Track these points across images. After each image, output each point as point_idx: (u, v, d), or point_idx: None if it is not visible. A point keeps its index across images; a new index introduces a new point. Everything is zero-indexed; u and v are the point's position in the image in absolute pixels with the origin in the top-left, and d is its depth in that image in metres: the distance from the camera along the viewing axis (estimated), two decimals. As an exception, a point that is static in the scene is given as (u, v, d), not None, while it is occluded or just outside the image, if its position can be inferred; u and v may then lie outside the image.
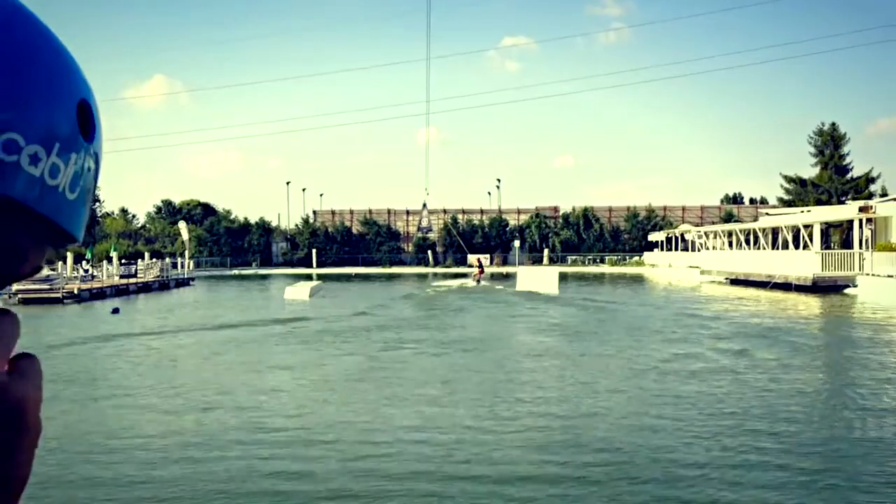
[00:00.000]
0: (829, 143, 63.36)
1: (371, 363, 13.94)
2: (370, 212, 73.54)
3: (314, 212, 75.40)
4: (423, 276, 56.28)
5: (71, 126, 0.42)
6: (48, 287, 31.21)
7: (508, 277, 43.60)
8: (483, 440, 8.31)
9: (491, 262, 65.17)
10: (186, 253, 57.41)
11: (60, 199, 0.42)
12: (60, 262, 39.29)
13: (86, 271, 40.02)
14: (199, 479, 7.03)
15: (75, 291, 31.79)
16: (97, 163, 0.46)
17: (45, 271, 34.88)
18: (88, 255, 45.91)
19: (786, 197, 65.06)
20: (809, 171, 64.86)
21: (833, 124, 63.76)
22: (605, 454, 7.68)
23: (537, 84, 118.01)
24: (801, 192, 63.47)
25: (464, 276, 50.35)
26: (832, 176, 62.34)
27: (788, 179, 65.59)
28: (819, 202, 55.07)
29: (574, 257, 67.52)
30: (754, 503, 6.29)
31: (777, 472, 7.07)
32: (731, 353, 14.74)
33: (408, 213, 72.87)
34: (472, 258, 66.48)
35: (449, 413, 9.66)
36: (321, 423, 9.16)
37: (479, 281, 44.01)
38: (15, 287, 30.78)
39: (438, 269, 63.83)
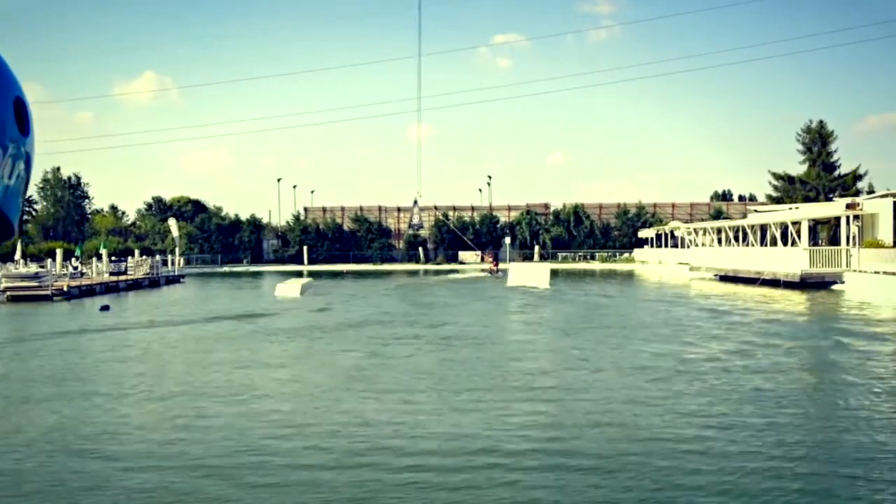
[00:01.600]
0: (817, 141, 63.80)
1: (364, 360, 13.99)
2: (361, 209, 73.50)
3: (305, 209, 75.29)
4: (415, 273, 56.40)
5: (9, 119, 0.44)
6: (37, 284, 31.02)
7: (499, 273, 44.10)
8: (476, 441, 8.39)
9: (482, 260, 65.27)
10: (177, 250, 57.16)
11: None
12: (49, 260, 39.09)
13: (75, 268, 39.80)
14: (187, 479, 7.08)
15: (64, 289, 31.60)
16: (30, 159, 0.47)
17: (35, 268, 34.68)
18: (78, 253, 45.65)
19: (774, 194, 65.48)
20: (797, 168, 65.38)
21: (821, 122, 64.25)
22: (597, 453, 7.78)
23: (528, 81, 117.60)
24: (789, 190, 63.89)
25: (455, 272, 52.08)
26: (820, 173, 62.77)
27: (777, 177, 66.02)
28: (807, 199, 55.42)
29: (564, 254, 67.74)
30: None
31: (770, 472, 7.18)
32: (720, 350, 14.89)
33: (399, 210, 72.86)
34: (467, 254, 66.70)
35: (444, 412, 9.73)
36: (312, 422, 9.21)
37: (492, 272, 47.91)
38: (4, 284, 30.61)
39: (430, 266, 63.91)
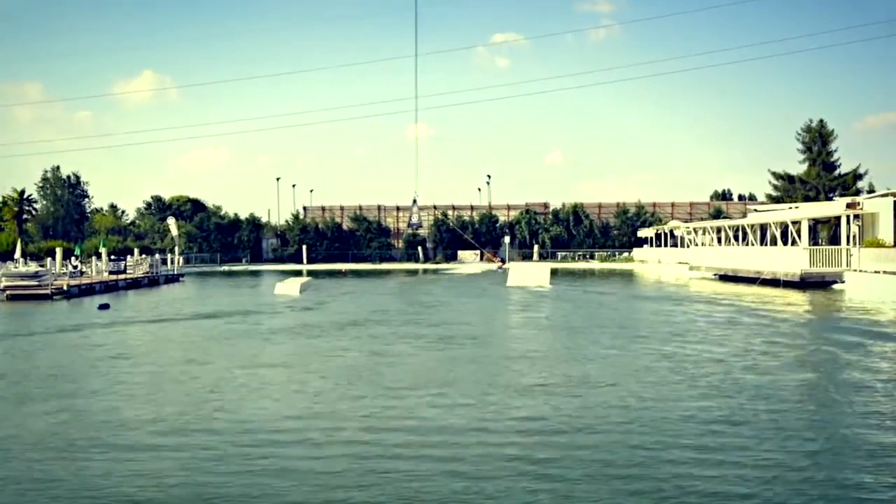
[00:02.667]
0: (817, 140, 63.88)
1: (364, 359, 13.95)
2: (360, 208, 73.50)
3: (304, 208, 75.26)
4: (414, 272, 56.38)
5: None
6: (36, 283, 30.97)
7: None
8: (474, 440, 8.36)
9: (482, 259, 65.36)
10: (176, 249, 57.14)
11: None
12: (49, 259, 39.03)
13: (74, 267, 39.74)
14: (185, 477, 7.05)
15: (64, 287, 31.56)
16: None
17: (34, 267, 34.62)
18: (77, 251, 45.65)
19: (774, 193, 65.55)
20: (797, 167, 65.51)
21: (821, 121, 64.36)
22: (596, 453, 7.76)
23: (527, 80, 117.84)
24: (789, 189, 63.95)
25: (454, 271, 52.51)
26: (820, 172, 62.84)
27: (777, 176, 66.08)
28: (807, 199, 55.48)
29: (564, 253, 67.77)
30: None
31: (770, 473, 7.17)
32: (720, 349, 14.86)
33: (398, 209, 72.86)
34: (466, 253, 66.75)
35: (441, 413, 9.70)
36: (312, 420, 9.18)
37: (499, 269, 52.98)
38: (3, 283, 30.55)
39: (429, 265, 63.90)
